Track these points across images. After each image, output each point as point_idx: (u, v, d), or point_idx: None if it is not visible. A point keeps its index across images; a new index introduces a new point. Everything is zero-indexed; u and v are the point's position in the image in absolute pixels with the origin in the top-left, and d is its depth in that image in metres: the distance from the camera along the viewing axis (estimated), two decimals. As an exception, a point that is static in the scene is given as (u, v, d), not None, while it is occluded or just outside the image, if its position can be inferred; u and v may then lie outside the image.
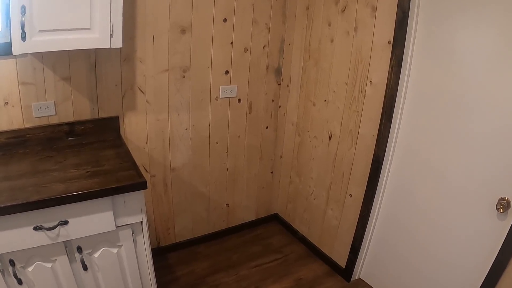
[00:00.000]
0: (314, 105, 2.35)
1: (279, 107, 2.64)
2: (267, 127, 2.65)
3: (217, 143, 2.44)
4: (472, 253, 1.64)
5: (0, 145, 1.69)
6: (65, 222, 1.35)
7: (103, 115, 1.95)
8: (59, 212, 1.32)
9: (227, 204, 2.69)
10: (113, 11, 1.48)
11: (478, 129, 1.55)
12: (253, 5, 2.21)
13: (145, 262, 1.65)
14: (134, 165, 1.57)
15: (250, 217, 2.87)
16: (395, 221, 2.03)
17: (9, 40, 1.46)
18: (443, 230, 1.76)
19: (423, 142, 1.80)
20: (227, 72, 2.28)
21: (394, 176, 1.99)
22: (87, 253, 1.48)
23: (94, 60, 1.83)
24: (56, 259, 1.42)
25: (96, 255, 1.51)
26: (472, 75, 1.53)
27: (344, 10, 2.01)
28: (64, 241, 1.39)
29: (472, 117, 1.56)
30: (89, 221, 1.40)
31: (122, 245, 1.54)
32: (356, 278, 2.34)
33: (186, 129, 2.26)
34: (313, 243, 2.60)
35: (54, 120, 1.82)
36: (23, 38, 1.35)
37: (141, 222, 1.54)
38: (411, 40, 1.74)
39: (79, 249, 1.45)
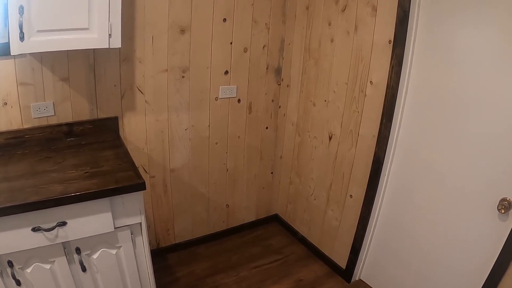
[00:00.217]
0: (314, 105, 2.35)
1: (279, 107, 2.63)
2: (267, 128, 2.64)
3: (216, 143, 2.43)
4: (473, 254, 1.63)
5: (-1, 146, 1.69)
6: (64, 223, 1.34)
7: (102, 115, 1.94)
8: (57, 213, 1.32)
9: (227, 205, 2.68)
10: (112, 11, 1.47)
11: (479, 129, 1.54)
12: (252, 4, 2.21)
13: (144, 264, 1.64)
14: (133, 166, 1.56)
15: (250, 217, 2.86)
16: (396, 222, 2.02)
17: (7, 40, 1.45)
18: (444, 231, 1.75)
19: (424, 142, 1.79)
20: (226, 72, 2.27)
21: (394, 177, 1.98)
22: (85, 254, 1.48)
23: (93, 60, 1.83)
24: (54, 260, 1.41)
25: (95, 256, 1.50)
26: (473, 75, 1.52)
27: (344, 10, 2.00)
28: (62, 242, 1.39)
29: (473, 117, 1.55)
30: (88, 222, 1.39)
31: (121, 246, 1.54)
32: (357, 279, 2.33)
33: (185, 129, 2.25)
34: (314, 244, 2.59)
35: (53, 121, 1.82)
36: (21, 38, 1.34)
37: (140, 223, 1.54)
38: (412, 39, 1.73)
39: (78, 250, 1.44)
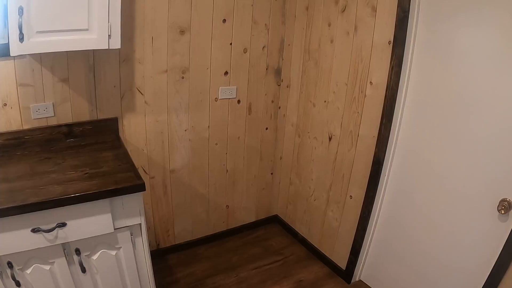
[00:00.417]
0: (314, 105, 2.34)
1: (279, 108, 2.63)
2: (266, 128, 2.64)
3: (216, 144, 2.43)
4: (473, 255, 1.63)
5: (-2, 147, 1.69)
6: (63, 224, 1.34)
7: (102, 116, 1.94)
8: (57, 214, 1.32)
9: (227, 206, 2.68)
10: (111, 12, 1.47)
11: (479, 130, 1.53)
12: (252, 5, 2.21)
13: (144, 265, 1.64)
14: (132, 167, 1.56)
15: (250, 218, 2.86)
16: (396, 222, 2.02)
17: (7, 41, 1.45)
18: (444, 231, 1.75)
19: (424, 143, 1.79)
20: (226, 73, 2.27)
21: (394, 177, 1.97)
22: (85, 255, 1.47)
23: (92, 61, 1.83)
24: (54, 262, 1.41)
25: (95, 257, 1.50)
26: (474, 75, 1.52)
27: (344, 10, 2.00)
28: (62, 243, 1.38)
29: (474, 118, 1.55)
30: (87, 223, 1.39)
31: (120, 247, 1.53)
32: (357, 280, 2.33)
33: (185, 130, 2.25)
34: (314, 244, 2.59)
35: (53, 122, 1.81)
36: (21, 39, 1.34)
37: (140, 224, 1.53)
38: (412, 40, 1.73)
39: (77, 251, 1.44)
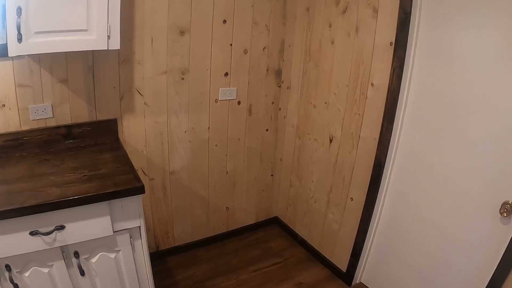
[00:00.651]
0: (314, 107, 2.33)
1: (279, 109, 2.62)
2: (267, 130, 2.63)
3: (216, 145, 2.42)
4: (475, 257, 1.62)
5: (-3, 148, 1.67)
6: (62, 227, 1.33)
7: (101, 117, 1.92)
8: (55, 216, 1.30)
9: (227, 208, 2.67)
10: (111, 12, 1.46)
11: (481, 132, 1.52)
12: (252, 6, 2.20)
13: (144, 267, 1.63)
14: (132, 169, 1.55)
15: (250, 220, 2.85)
16: (397, 225, 2.00)
17: (5, 42, 1.43)
18: (446, 234, 1.74)
19: (425, 145, 1.78)
20: (226, 74, 2.26)
21: (396, 180, 1.96)
22: (84, 258, 1.46)
23: (91, 62, 1.81)
24: (53, 264, 1.39)
25: (94, 260, 1.48)
26: (475, 77, 1.51)
27: (345, 11, 1.99)
28: (60, 246, 1.37)
29: (475, 120, 1.54)
30: (86, 226, 1.38)
31: (120, 250, 1.52)
32: (357, 282, 2.32)
33: (185, 131, 2.24)
34: (314, 246, 2.58)
35: (52, 123, 1.80)
36: (19, 39, 1.33)
37: (139, 227, 1.52)
38: (413, 41, 1.72)
39: (76, 254, 1.42)
